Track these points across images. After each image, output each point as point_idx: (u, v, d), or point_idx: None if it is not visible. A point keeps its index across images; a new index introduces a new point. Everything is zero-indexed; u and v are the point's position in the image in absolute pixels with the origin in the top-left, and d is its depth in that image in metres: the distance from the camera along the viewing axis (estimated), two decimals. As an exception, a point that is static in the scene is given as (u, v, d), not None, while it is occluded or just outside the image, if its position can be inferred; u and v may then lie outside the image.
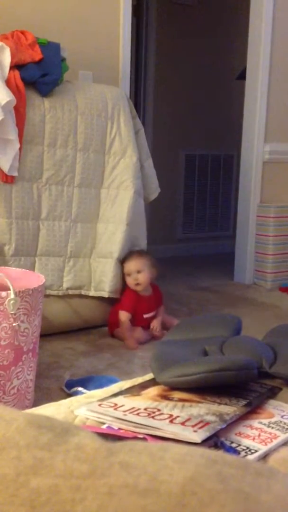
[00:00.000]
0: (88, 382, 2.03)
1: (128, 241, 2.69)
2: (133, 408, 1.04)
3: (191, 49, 4.75)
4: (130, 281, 2.69)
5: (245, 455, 0.91)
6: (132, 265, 2.68)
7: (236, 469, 0.43)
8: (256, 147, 3.79)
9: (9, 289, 1.70)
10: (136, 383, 1.19)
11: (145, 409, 1.03)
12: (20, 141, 2.39)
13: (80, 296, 2.68)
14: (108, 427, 0.99)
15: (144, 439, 0.94)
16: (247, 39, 3.81)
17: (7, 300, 1.69)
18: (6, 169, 2.35)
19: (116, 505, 0.39)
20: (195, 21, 4.74)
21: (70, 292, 2.63)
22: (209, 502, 0.39)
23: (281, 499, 0.40)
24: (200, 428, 0.95)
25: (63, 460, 0.43)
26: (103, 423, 1.00)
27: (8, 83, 2.35)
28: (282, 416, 1.05)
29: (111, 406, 1.05)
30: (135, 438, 0.94)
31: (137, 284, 2.68)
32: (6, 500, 0.39)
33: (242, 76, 4.25)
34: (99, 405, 1.05)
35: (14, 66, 2.41)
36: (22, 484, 0.41)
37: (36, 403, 1.85)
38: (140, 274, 2.68)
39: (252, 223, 3.85)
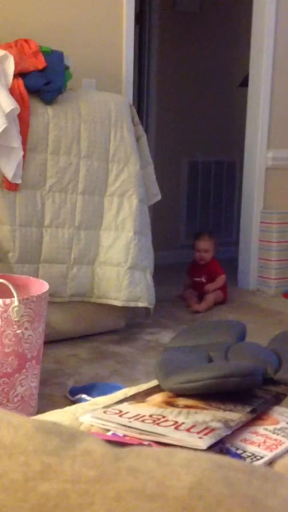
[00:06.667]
0: (92, 389, 2.03)
1: (141, 250, 2.69)
2: (138, 415, 1.04)
3: (194, 56, 4.77)
4: (197, 255, 3.48)
5: (251, 462, 0.91)
6: (201, 245, 3.46)
7: (243, 473, 0.43)
8: (259, 153, 3.80)
9: (13, 296, 1.70)
10: (140, 390, 1.19)
11: (150, 415, 1.03)
12: (24, 149, 2.40)
13: (84, 303, 2.69)
14: (113, 434, 0.99)
15: (149, 446, 0.94)
16: (250, 46, 3.82)
17: (11, 307, 1.70)
18: (10, 176, 2.36)
19: (123, 509, 0.39)
20: (197, 28, 4.76)
21: (74, 299, 2.64)
22: (215, 506, 0.39)
23: (287, 503, 0.41)
24: (205, 434, 0.95)
25: (71, 465, 0.43)
26: (108, 430, 1.00)
27: (11, 91, 2.37)
28: (287, 423, 1.05)
29: (116, 413, 1.05)
30: (141, 445, 0.94)
31: (201, 259, 3.47)
32: (15, 505, 0.40)
33: (245, 83, 4.26)
34: (104, 412, 1.06)
35: (18, 74, 2.43)
36: (31, 489, 0.41)
37: (40, 410, 1.85)
38: (206, 253, 3.46)
39: (255, 229, 3.85)
